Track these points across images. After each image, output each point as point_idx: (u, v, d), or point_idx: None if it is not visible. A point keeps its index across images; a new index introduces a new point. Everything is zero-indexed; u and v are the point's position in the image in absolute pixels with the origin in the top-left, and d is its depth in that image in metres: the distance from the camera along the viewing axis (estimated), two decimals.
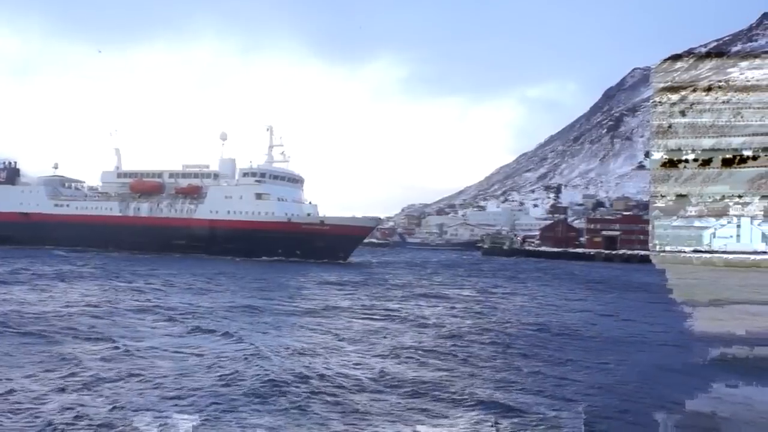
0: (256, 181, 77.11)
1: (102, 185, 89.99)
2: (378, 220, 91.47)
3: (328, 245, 72.55)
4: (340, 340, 20.40)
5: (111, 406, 11.85)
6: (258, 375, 14.66)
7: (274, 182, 78.37)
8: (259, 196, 76.09)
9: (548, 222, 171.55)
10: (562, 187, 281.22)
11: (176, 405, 12.15)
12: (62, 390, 13.08)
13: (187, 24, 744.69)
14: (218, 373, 14.84)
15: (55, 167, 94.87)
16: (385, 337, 21.28)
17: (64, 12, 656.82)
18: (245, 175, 78.79)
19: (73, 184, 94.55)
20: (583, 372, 16.89)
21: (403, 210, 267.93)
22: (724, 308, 32.02)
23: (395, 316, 26.98)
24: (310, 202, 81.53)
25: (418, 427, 11.38)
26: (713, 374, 16.43)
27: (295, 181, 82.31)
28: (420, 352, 18.66)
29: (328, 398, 13.05)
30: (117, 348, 17.39)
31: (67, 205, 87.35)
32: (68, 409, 11.74)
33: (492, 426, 11.62)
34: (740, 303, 34.80)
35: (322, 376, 14.80)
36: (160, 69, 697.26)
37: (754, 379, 15.75)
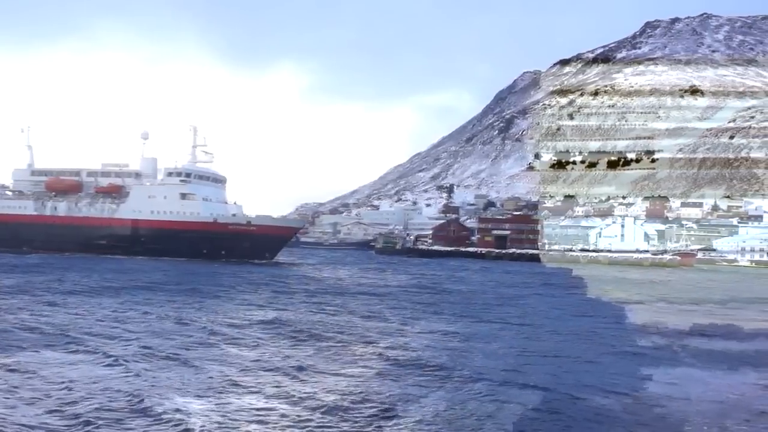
0: (181, 180, 77.81)
1: (13, 183, 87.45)
2: (304, 222, 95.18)
3: (254, 245, 75.56)
4: None
5: None
6: None
7: (200, 182, 79.49)
8: (184, 196, 76.99)
9: (441, 221, 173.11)
10: (455, 187, 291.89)
11: None
12: None
13: (90, 27, 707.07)
14: None
15: None
16: None
17: None
18: (170, 174, 79.17)
19: None
20: (528, 361, 18.17)
21: (296, 209, 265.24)
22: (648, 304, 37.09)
23: None
24: (235, 203, 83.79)
25: None
26: (645, 362, 18.25)
27: (219, 181, 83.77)
28: None
29: None
30: None
31: None
32: None
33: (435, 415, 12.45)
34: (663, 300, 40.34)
35: None
36: (68, 71, 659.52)
37: (680, 364, 18.09)
